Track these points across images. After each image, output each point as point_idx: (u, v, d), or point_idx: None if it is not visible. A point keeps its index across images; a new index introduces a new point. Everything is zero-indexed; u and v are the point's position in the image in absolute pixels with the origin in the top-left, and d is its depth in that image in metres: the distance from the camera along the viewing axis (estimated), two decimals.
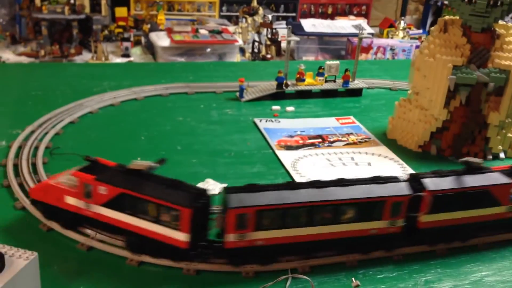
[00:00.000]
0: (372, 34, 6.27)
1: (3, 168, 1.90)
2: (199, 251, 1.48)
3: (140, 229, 1.47)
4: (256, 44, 5.97)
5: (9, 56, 5.48)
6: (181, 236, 1.42)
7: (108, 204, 1.49)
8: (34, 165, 1.91)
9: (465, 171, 1.63)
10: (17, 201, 1.72)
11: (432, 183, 1.55)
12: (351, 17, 7.17)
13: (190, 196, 1.42)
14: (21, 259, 1.21)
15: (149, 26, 6.03)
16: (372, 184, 1.52)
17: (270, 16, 6.36)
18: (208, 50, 5.51)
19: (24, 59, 5.43)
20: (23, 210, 1.69)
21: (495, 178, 1.61)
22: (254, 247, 1.45)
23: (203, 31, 5.68)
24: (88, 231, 1.58)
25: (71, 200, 1.54)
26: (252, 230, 1.42)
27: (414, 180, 1.58)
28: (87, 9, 5.94)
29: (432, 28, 2.41)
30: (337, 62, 2.92)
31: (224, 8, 6.99)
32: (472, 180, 1.59)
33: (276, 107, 2.70)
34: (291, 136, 2.38)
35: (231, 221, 1.40)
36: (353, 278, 1.43)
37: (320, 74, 2.89)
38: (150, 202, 1.43)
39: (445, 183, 1.57)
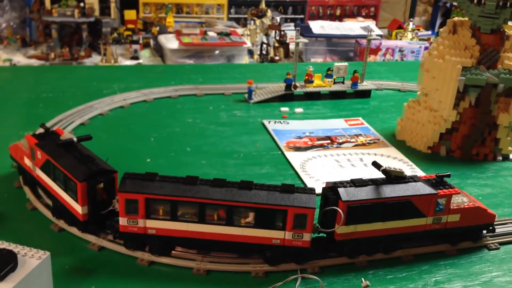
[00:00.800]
0: (380, 35, 6.25)
1: (15, 169, 1.92)
2: (96, 227, 1.56)
3: (58, 196, 1.60)
4: (265, 46, 5.98)
5: (20, 58, 5.53)
6: (78, 208, 1.51)
7: (42, 168, 1.64)
8: None
9: (386, 180, 1.55)
10: (28, 202, 1.74)
11: (347, 194, 1.47)
12: (360, 18, 7.16)
13: (90, 171, 1.50)
14: (34, 259, 1.23)
15: (157, 28, 6.07)
16: (277, 192, 1.45)
17: (278, 18, 6.37)
18: (217, 52, 5.53)
19: (34, 62, 5.48)
20: (34, 210, 1.71)
21: (418, 188, 1.54)
22: (147, 235, 1.47)
23: (211, 34, 5.71)
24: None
25: (27, 161, 1.73)
26: (142, 217, 1.44)
27: (330, 190, 1.51)
28: (97, 12, 5.98)
29: (441, 30, 2.41)
30: (346, 63, 2.92)
31: (232, 10, 7.01)
32: (392, 190, 1.52)
33: (284, 109, 2.71)
34: (300, 138, 2.39)
35: (121, 205, 1.44)
36: (362, 279, 1.44)
37: (328, 75, 2.89)
38: (61, 171, 1.55)
39: (362, 193, 1.49)
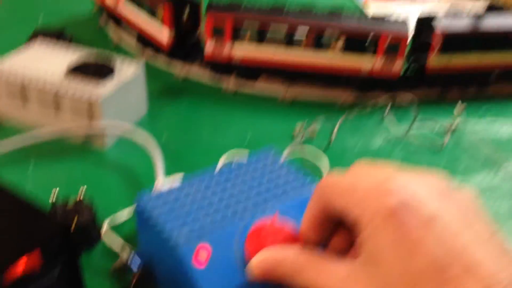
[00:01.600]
0: None
1: (96, 8, 1.93)
2: (184, 52, 1.53)
3: (142, 26, 1.57)
4: None
5: None
6: (164, 33, 1.48)
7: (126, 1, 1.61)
8: None
9: (488, 11, 1.42)
10: (112, 40, 1.75)
11: (444, 23, 1.36)
12: None
13: None
14: (129, 66, 1.25)
15: None
16: (369, 19, 1.37)
17: None
18: None
19: None
20: (118, 47, 1.72)
21: None
22: (232, 62, 1.44)
23: None
24: None
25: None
26: (229, 43, 1.41)
27: (425, 20, 1.40)
28: None
29: None
30: None
31: None
32: (492, 22, 1.38)
33: None
34: None
35: (208, 29, 1.40)
36: (459, 102, 1.38)
37: None
38: None
39: (461, 23, 1.37)
